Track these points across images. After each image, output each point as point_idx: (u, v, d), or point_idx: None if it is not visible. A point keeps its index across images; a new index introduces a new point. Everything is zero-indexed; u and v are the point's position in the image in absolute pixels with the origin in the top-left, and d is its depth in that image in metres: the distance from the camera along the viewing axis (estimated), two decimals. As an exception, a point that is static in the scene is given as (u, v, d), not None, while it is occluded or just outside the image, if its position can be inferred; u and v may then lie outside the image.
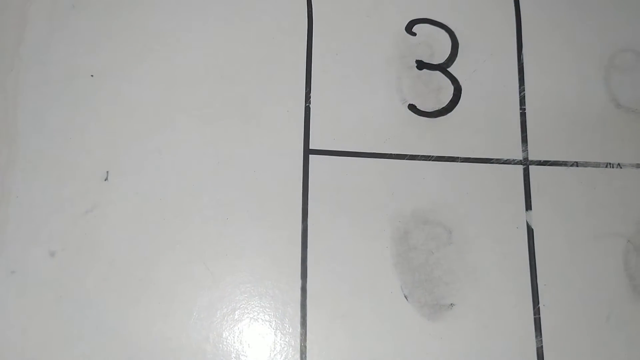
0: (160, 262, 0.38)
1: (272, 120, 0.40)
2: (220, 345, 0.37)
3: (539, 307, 0.38)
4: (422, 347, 0.38)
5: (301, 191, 0.39)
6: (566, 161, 0.41)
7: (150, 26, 0.41)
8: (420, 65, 0.42)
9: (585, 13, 0.43)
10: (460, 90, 0.41)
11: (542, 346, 0.38)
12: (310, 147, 0.40)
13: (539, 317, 0.38)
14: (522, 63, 0.42)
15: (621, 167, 0.41)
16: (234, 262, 0.38)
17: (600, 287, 0.39)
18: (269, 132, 0.40)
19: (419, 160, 0.40)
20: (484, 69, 0.42)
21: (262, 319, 0.37)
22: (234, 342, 0.37)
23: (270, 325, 0.37)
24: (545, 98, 0.42)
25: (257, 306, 0.38)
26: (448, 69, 0.42)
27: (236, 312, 0.37)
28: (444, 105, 0.41)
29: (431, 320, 0.38)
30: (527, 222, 0.40)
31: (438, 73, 0.42)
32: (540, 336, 0.38)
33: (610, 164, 0.41)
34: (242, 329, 0.37)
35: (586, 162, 0.41)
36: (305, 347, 0.37)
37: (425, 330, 0.38)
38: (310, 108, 0.41)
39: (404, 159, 0.40)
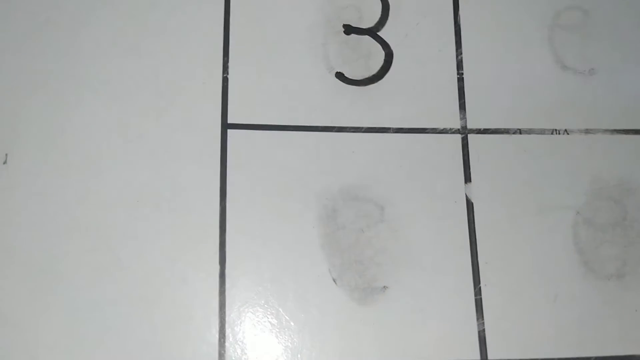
0: (63, 249, 0.34)
1: (187, 93, 0.37)
2: (126, 337, 0.33)
3: (480, 287, 0.35)
4: (353, 335, 0.34)
5: (219, 169, 0.36)
6: (508, 129, 0.38)
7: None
8: (348, 29, 0.38)
9: (527, -31, 0.40)
10: (392, 55, 0.38)
11: (484, 329, 0.35)
12: (228, 121, 0.37)
13: (480, 298, 0.35)
14: (459, 25, 0.39)
15: (568, 134, 0.38)
16: (143, 247, 0.35)
17: (546, 264, 0.36)
18: (183, 106, 0.37)
19: (347, 132, 0.37)
20: (418, 32, 0.39)
21: (175, 307, 0.34)
22: (143, 333, 0.33)
23: (184, 315, 0.34)
24: (484, 62, 0.39)
25: (170, 294, 0.34)
26: (378, 33, 0.39)
27: (145, 301, 0.34)
28: (374, 73, 0.38)
29: (362, 305, 0.35)
30: (466, 195, 0.36)
31: (367, 38, 0.39)
32: (482, 319, 0.35)
33: (556, 130, 0.38)
34: (151, 318, 0.34)
35: (530, 130, 0.38)
36: (224, 338, 0.34)
37: (356, 316, 0.35)
38: (228, 79, 0.37)
39: (331, 132, 0.37)
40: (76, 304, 0.34)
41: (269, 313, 0.35)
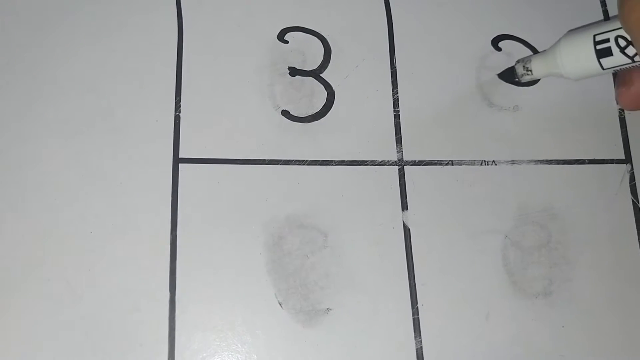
0: (17, 281, 0.36)
1: (141, 130, 0.39)
2: (75, 363, 0.34)
3: (417, 308, 0.38)
4: (298, 355, 0.36)
5: (170, 201, 0.38)
6: (441, 160, 0.41)
7: (9, 33, 0.40)
8: (293, 71, 0.42)
9: (456, 16, 0.44)
10: (334, 95, 0.41)
11: (421, 347, 0.37)
12: (180, 156, 0.39)
13: (418, 318, 0.37)
14: (395, 67, 0.42)
15: (496, 164, 0.41)
16: (97, 277, 0.36)
17: (479, 285, 0.39)
18: (136, 143, 0.39)
19: (292, 165, 0.40)
20: (357, 74, 0.42)
21: (127, 334, 0.35)
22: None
23: (135, 342, 0.35)
24: (419, 100, 0.42)
25: (122, 322, 0.36)
26: (321, 75, 0.42)
27: (99, 329, 0.35)
28: (317, 110, 0.41)
29: (307, 327, 0.37)
30: (403, 222, 0.39)
31: (311, 79, 0.42)
32: (420, 337, 0.37)
33: (485, 161, 0.41)
34: (105, 347, 0.35)
35: (461, 161, 0.41)
36: (172, 361, 0.35)
37: (301, 337, 0.37)
38: (180, 117, 0.40)
39: (277, 164, 0.40)
40: (32, 333, 0.35)
41: (217, 337, 0.36)
